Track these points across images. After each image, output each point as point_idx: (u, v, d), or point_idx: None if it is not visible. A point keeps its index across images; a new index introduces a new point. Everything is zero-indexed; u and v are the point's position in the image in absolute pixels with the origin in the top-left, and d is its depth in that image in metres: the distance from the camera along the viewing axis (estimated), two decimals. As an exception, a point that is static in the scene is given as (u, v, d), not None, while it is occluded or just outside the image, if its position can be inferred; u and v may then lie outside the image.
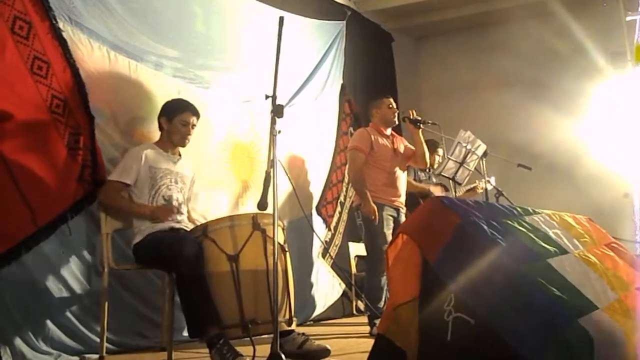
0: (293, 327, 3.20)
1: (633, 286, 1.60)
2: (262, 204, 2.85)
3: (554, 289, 1.41)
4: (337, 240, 5.97)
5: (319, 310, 5.48)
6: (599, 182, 5.90)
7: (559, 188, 5.84)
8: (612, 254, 1.71)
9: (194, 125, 3.57)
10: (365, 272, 4.49)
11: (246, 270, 3.01)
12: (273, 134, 2.78)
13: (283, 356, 2.57)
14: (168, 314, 3.34)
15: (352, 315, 5.94)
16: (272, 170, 2.81)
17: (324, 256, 5.76)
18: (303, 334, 3.24)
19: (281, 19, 2.89)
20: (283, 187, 4.19)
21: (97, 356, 3.25)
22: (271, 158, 2.85)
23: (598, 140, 6.26)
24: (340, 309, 5.87)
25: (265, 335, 3.12)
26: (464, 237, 1.53)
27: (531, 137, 5.67)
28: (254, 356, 2.84)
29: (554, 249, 1.60)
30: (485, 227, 1.54)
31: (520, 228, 1.63)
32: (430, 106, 6.92)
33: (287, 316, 3.12)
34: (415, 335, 1.56)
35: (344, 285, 5.91)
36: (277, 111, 2.79)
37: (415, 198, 5.12)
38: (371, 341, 3.97)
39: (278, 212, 2.87)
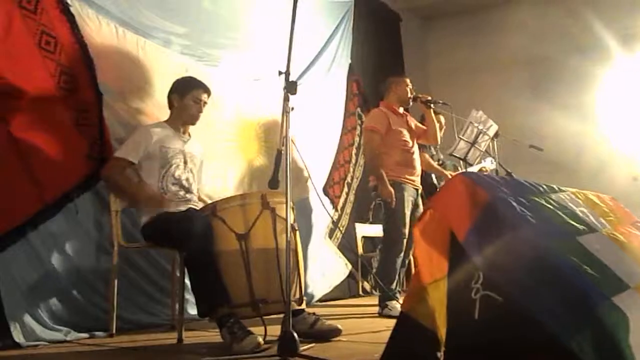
0: (303, 306, 3.17)
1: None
2: (273, 183, 2.81)
3: (587, 267, 1.38)
4: (344, 221, 5.96)
5: (324, 290, 5.47)
6: (609, 165, 5.86)
7: (568, 171, 5.80)
8: (638, 232, 1.68)
9: (205, 103, 3.53)
10: (380, 252, 4.43)
11: (256, 249, 2.98)
12: (286, 111, 2.73)
13: (295, 334, 2.54)
14: (178, 293, 3.32)
15: (359, 296, 5.94)
16: (284, 148, 2.77)
17: (330, 237, 5.75)
18: (314, 313, 3.21)
19: (295, -2, 2.83)
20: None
21: (106, 333, 3.23)
22: (283, 135, 2.81)
23: (607, 123, 6.20)
24: (347, 289, 5.88)
25: (275, 315, 3.12)
26: (494, 214, 1.50)
27: (540, 119, 5.62)
28: (265, 335, 2.82)
29: (583, 227, 1.56)
30: (515, 204, 1.51)
31: (548, 205, 1.60)
32: (438, 87, 6.85)
33: (298, 295, 3.10)
34: (443, 315, 1.53)
35: (350, 266, 5.91)
36: (290, 88, 2.73)
37: (430, 178, 5.10)
38: (380, 321, 4.06)
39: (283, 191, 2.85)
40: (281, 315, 3.09)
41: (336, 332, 3.16)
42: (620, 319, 1.31)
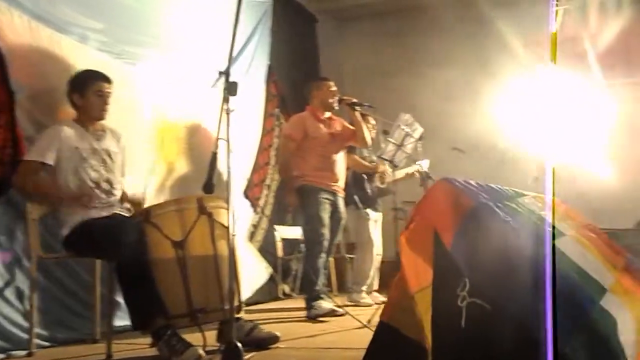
0: (241, 314, 3.08)
1: (619, 266, 1.63)
2: (208, 187, 2.71)
3: (570, 272, 1.41)
4: (264, 223, 5.88)
5: (246, 294, 5.36)
6: (511, 165, 6.12)
7: (479, 171, 6.01)
8: (594, 235, 1.74)
9: (109, 93, 3.28)
10: (303, 255, 4.49)
11: (194, 256, 2.86)
12: (226, 112, 2.63)
13: (240, 345, 2.45)
14: (104, 304, 3.12)
15: (279, 298, 5.89)
16: (218, 150, 2.68)
17: (251, 240, 5.66)
18: (250, 321, 3.13)
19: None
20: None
21: (25, 352, 2.98)
22: (220, 137, 2.71)
23: (514, 126, 6.48)
24: (267, 292, 5.81)
25: (209, 323, 3.01)
26: (479, 220, 1.50)
27: (455, 122, 5.79)
28: (204, 346, 2.71)
29: (554, 231, 1.60)
30: (498, 210, 1.52)
31: (520, 210, 1.63)
32: (353, 90, 6.90)
33: (236, 303, 3.00)
34: (429, 324, 1.51)
35: (270, 269, 5.84)
36: (231, 89, 2.65)
37: (360, 177, 5.13)
38: (312, 325, 4.03)
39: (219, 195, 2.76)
40: (217, 324, 3.03)
41: (274, 339, 3.10)
42: (611, 322, 1.35)
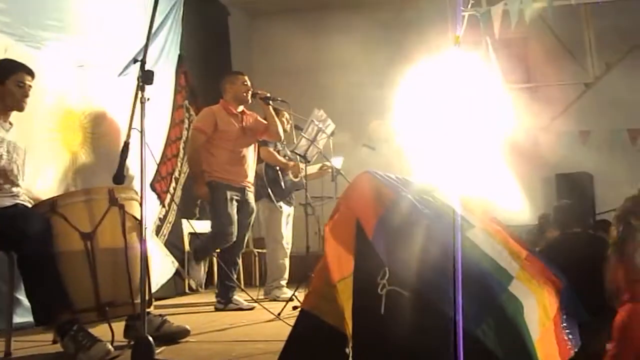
0: (151, 309, 3.02)
1: (522, 256, 1.76)
2: (119, 178, 2.65)
3: (481, 260, 1.50)
4: (171, 217, 5.78)
5: (151, 289, 5.24)
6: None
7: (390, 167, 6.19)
8: (498, 227, 1.86)
9: (30, 86, 3.16)
10: (203, 240, 4.60)
11: (103, 248, 2.77)
12: (141, 101, 2.57)
13: (151, 339, 2.41)
14: (7, 297, 2.96)
15: (185, 294, 5.81)
16: (131, 140, 2.62)
17: (157, 234, 5.54)
18: (160, 315, 3.08)
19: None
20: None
21: None
22: (133, 127, 2.65)
23: (419, 124, 6.70)
24: (173, 287, 5.72)
25: (118, 318, 2.93)
26: (399, 211, 1.56)
27: (366, 119, 5.92)
28: (112, 341, 2.64)
29: (464, 222, 1.69)
30: (416, 202, 1.59)
31: (436, 202, 1.70)
32: (262, 84, 6.91)
33: (147, 297, 2.93)
34: (350, 312, 1.56)
35: (177, 264, 5.75)
36: (147, 77, 2.59)
37: (274, 170, 5.13)
38: (224, 318, 4.01)
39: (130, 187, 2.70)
40: (122, 319, 2.96)
41: (185, 332, 3.08)
42: (519, 306, 1.45)
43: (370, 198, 1.60)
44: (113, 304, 2.74)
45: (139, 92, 2.59)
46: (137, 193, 2.94)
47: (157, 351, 2.65)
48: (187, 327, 3.10)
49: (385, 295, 1.48)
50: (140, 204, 2.59)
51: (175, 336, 3.03)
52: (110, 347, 2.58)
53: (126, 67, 4.96)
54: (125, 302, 2.77)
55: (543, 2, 4.62)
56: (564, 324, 1.62)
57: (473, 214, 1.82)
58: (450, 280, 1.31)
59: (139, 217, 2.80)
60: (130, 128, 2.67)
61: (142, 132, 2.58)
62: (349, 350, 1.53)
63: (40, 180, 3.97)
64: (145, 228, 2.94)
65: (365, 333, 1.53)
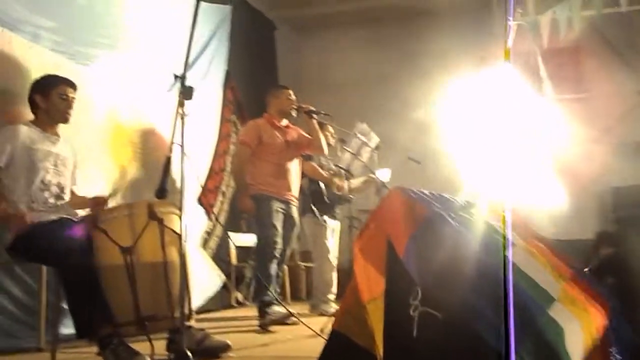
0: (192, 322, 3.02)
1: (566, 276, 1.66)
2: (161, 192, 2.66)
3: (520, 280, 1.42)
4: (218, 230, 5.82)
5: (198, 303, 5.28)
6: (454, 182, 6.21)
7: (438, 183, 6.07)
8: (541, 244, 1.77)
9: (73, 98, 3.23)
10: (254, 260, 4.45)
11: (142, 262, 2.78)
12: (181, 116, 2.59)
13: (190, 355, 2.40)
14: (51, 312, 3.02)
15: (232, 307, 5.83)
16: (173, 155, 2.64)
17: (204, 247, 5.58)
18: (201, 329, 3.08)
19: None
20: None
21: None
22: (175, 142, 2.67)
23: (468, 137, 6.57)
24: (220, 300, 5.74)
25: (159, 333, 2.95)
26: (432, 228, 1.50)
27: (414, 134, 5.84)
28: (152, 354, 2.65)
29: (503, 240, 1.61)
30: (450, 220, 1.53)
31: (473, 220, 1.63)
32: (310, 98, 6.92)
33: (187, 311, 2.94)
34: (381, 333, 1.50)
35: (223, 277, 5.78)
36: (186, 93, 2.61)
37: (318, 184, 5.12)
38: (268, 335, 3.99)
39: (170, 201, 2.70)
40: (164, 333, 2.96)
41: (225, 347, 3.06)
42: (559, 331, 1.36)
43: (401, 215, 1.55)
44: (153, 317, 2.75)
45: (179, 108, 2.60)
46: (177, 207, 2.95)
47: (197, 366, 2.66)
48: (228, 342, 3.08)
49: (417, 316, 1.42)
50: (180, 218, 2.59)
51: (216, 351, 3.01)
52: (149, 360, 2.59)
53: (174, 83, 5.05)
54: (165, 316, 2.77)
55: (592, 10, 4.46)
56: (612, 349, 1.52)
57: (515, 230, 1.73)
58: (487, 303, 1.24)
59: (179, 231, 2.82)
60: (171, 143, 2.69)
61: (182, 146, 2.59)
62: (378, 373, 1.48)
63: (90, 193, 4.05)
64: (185, 242, 2.99)
65: (396, 356, 1.47)
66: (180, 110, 2.61)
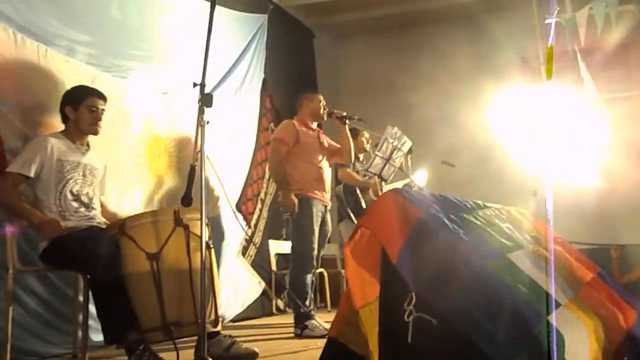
0: (219, 328, 3.03)
1: (584, 281, 1.59)
2: (186, 200, 2.69)
3: (520, 286, 1.36)
4: (257, 238, 5.84)
5: (237, 310, 5.34)
6: (510, 180, 6.07)
7: (475, 186, 5.96)
8: (560, 248, 1.69)
9: (103, 110, 3.30)
10: (291, 270, 4.36)
11: (168, 269, 2.82)
12: (201, 124, 2.61)
13: (211, 360, 2.41)
14: (81, 318, 3.09)
15: (272, 314, 5.84)
16: (198, 163, 2.65)
17: (243, 254, 5.62)
18: (230, 336, 3.08)
19: (213, 2, 2.72)
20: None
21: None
22: (197, 150, 2.69)
23: (509, 139, 6.43)
24: (260, 308, 5.76)
25: (187, 338, 2.97)
26: (426, 231, 1.45)
27: (450, 136, 5.75)
28: (177, 361, 2.67)
29: (511, 243, 1.55)
30: (447, 222, 1.47)
31: (477, 222, 1.58)
32: (349, 104, 6.91)
33: (213, 317, 2.96)
34: (375, 339, 1.46)
35: (263, 284, 5.80)
36: (205, 100, 2.63)
37: (354, 190, 5.08)
38: (297, 341, 3.97)
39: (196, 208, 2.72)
40: (195, 339, 2.98)
41: (252, 355, 3.06)
42: (559, 339, 1.29)
43: (393, 218, 1.50)
44: (179, 323, 2.78)
45: (200, 115, 2.63)
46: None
47: (222, 372, 2.67)
48: (256, 349, 3.08)
49: (412, 322, 1.37)
50: (201, 225, 2.60)
51: (243, 358, 3.02)
52: (173, 367, 2.60)
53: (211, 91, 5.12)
54: (191, 322, 2.80)
55: (630, 4, 4.27)
56: (627, 355, 1.43)
57: (530, 233, 1.66)
58: (482, 309, 1.18)
59: (206, 238, 2.83)
60: (195, 151, 2.72)
61: (201, 153, 2.61)
62: (374, 380, 1.43)
63: (127, 203, 4.14)
64: (212, 248, 3.01)
65: (391, 363, 1.42)
66: (200, 119, 2.62)
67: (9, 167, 3.09)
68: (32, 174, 3.04)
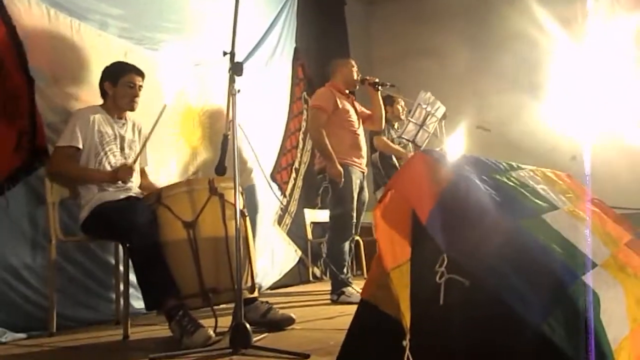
0: (255, 294, 3.08)
1: (621, 242, 1.55)
2: (220, 169, 2.70)
3: (555, 246, 1.34)
4: (293, 207, 5.89)
5: (274, 278, 5.41)
6: (549, 144, 5.96)
7: (512, 150, 5.87)
8: (597, 209, 1.66)
9: (140, 87, 3.36)
10: (329, 238, 4.38)
11: (204, 237, 2.87)
12: (232, 93, 2.61)
13: (248, 325, 2.45)
14: (123, 286, 3.17)
15: (309, 282, 5.91)
16: (231, 132, 2.66)
17: (279, 223, 5.67)
18: (266, 302, 3.13)
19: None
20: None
21: (45, 332, 3.06)
22: (229, 119, 2.70)
23: (548, 104, 6.31)
24: (297, 276, 5.83)
25: (226, 305, 3.03)
26: (457, 192, 1.43)
27: (485, 102, 5.66)
28: (215, 327, 2.72)
29: (545, 204, 1.53)
30: (479, 182, 1.45)
31: (511, 183, 1.55)
32: (381, 71, 6.83)
33: (250, 283, 3.00)
34: (407, 301, 1.47)
35: (300, 253, 5.85)
36: (236, 69, 2.62)
37: (390, 159, 5.06)
38: (334, 307, 4.01)
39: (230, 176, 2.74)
40: (232, 305, 3.03)
41: (289, 321, 3.09)
42: (594, 299, 1.27)
43: (425, 180, 1.48)
44: (216, 290, 2.83)
45: (230, 85, 2.63)
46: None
47: (260, 337, 2.71)
48: (293, 315, 3.11)
49: (444, 284, 1.37)
50: (235, 193, 2.62)
51: (280, 324, 3.05)
52: (211, 333, 2.66)
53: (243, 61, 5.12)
54: (228, 289, 2.84)
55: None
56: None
57: (565, 194, 1.63)
58: (515, 269, 1.17)
59: (240, 206, 2.86)
60: (227, 121, 2.73)
61: (233, 123, 2.62)
62: (405, 342, 1.43)
63: (163, 174, 4.20)
64: (246, 216, 3.04)
65: (423, 324, 1.42)
66: (231, 88, 2.62)
67: (59, 141, 3.19)
68: (80, 145, 3.13)
